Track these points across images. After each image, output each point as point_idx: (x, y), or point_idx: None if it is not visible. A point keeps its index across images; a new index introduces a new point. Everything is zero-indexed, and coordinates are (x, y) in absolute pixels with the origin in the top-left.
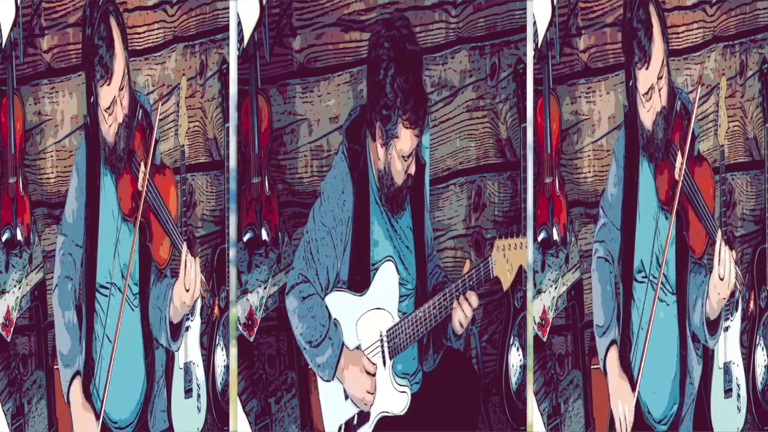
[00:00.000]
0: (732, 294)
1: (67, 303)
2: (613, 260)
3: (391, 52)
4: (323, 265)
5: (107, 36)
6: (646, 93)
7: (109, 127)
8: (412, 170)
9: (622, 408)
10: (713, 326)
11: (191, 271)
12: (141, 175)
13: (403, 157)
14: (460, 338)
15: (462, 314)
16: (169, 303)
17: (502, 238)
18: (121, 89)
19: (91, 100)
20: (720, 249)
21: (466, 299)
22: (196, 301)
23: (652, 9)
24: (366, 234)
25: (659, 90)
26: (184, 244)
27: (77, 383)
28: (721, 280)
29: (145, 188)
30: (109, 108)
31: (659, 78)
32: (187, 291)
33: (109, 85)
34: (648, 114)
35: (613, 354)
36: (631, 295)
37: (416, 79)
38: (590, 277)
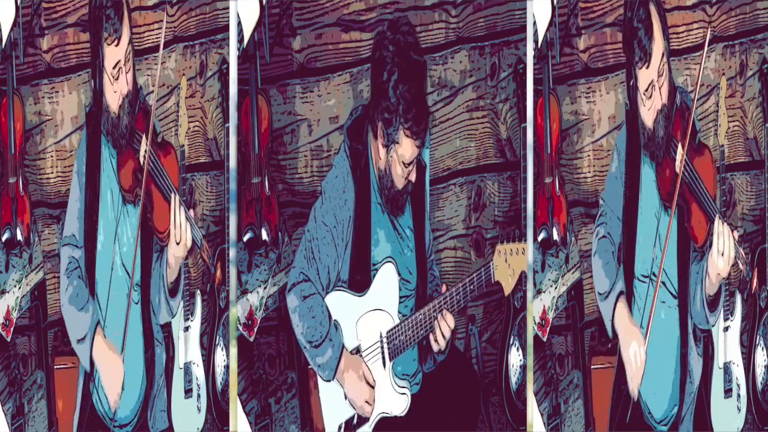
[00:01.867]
0: (730, 273)
1: (81, 301)
2: (613, 242)
3: (395, 57)
4: (324, 264)
5: (116, 10)
6: (647, 90)
7: (114, 93)
8: (413, 177)
9: (636, 351)
10: (713, 303)
11: (181, 226)
12: (143, 149)
13: (404, 163)
14: (443, 356)
15: (440, 333)
16: (165, 264)
17: (503, 243)
18: (126, 61)
19: (98, 62)
20: (718, 225)
21: (444, 318)
22: (194, 290)
23: (652, 8)
24: (367, 233)
25: (659, 87)
26: (173, 197)
27: (98, 337)
28: (721, 255)
29: (146, 161)
30: (114, 68)
31: (659, 75)
32: (178, 244)
33: (117, 45)
34: (649, 112)
35: (621, 305)
36: (632, 294)
37: (419, 89)
38: (591, 274)
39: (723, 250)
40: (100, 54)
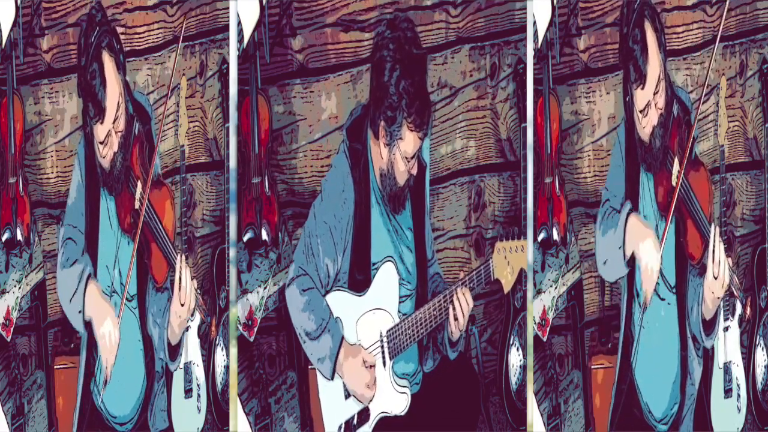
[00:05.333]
0: (729, 293)
1: (74, 255)
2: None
3: (396, 54)
4: (323, 261)
5: (100, 74)
6: (643, 110)
7: (104, 158)
8: (415, 170)
9: (654, 244)
10: (709, 326)
11: (185, 283)
12: (138, 194)
13: (406, 158)
14: (456, 348)
15: (459, 310)
16: (167, 324)
17: (503, 240)
18: (115, 120)
19: (87, 131)
20: (714, 247)
21: (463, 295)
22: (193, 313)
23: (647, 25)
24: (366, 233)
25: (655, 104)
26: (179, 257)
27: (92, 286)
28: (715, 278)
29: (144, 207)
30: (103, 141)
31: (655, 93)
32: (183, 305)
33: (102, 123)
34: (645, 129)
35: (633, 217)
36: (632, 293)
37: (421, 82)
38: (590, 274)
39: (717, 274)
40: (89, 125)
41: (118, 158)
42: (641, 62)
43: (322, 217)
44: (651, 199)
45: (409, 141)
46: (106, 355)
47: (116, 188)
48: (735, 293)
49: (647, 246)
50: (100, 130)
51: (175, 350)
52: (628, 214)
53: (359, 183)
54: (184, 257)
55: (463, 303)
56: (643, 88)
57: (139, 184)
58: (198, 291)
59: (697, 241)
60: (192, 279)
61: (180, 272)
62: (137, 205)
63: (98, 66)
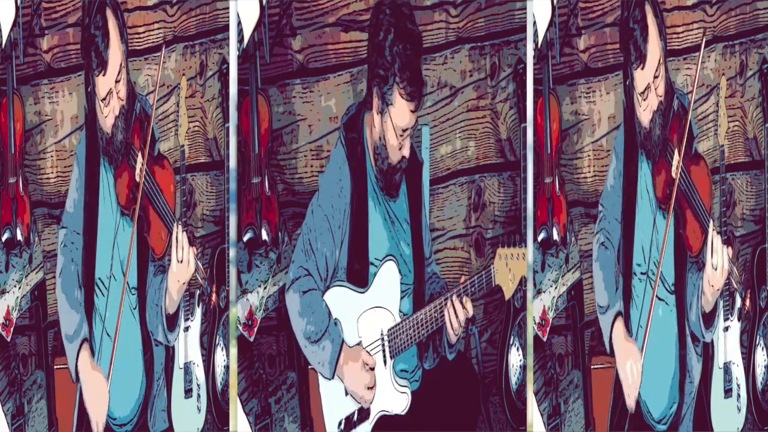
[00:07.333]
0: (727, 285)
1: (72, 286)
2: (613, 247)
3: (392, 19)
4: (322, 254)
5: (103, 26)
6: (643, 92)
7: (106, 118)
8: (406, 152)
9: (632, 367)
10: (708, 319)
11: (183, 247)
12: (138, 165)
13: (396, 132)
14: (454, 349)
15: (455, 317)
16: (165, 293)
17: (504, 247)
18: (117, 82)
19: (89, 90)
20: (712, 239)
21: (462, 304)
22: (194, 291)
23: (648, 8)
24: (364, 220)
25: (656, 89)
26: (176, 224)
27: (84, 352)
28: (714, 269)
29: (142, 179)
30: (105, 99)
31: (656, 77)
32: (180, 262)
33: (104, 75)
34: (645, 112)
35: (619, 324)
36: (630, 293)
37: (415, 56)
38: (591, 274)
39: (717, 265)
40: (92, 81)
41: (119, 124)
42: (641, 42)
43: (320, 208)
44: (650, 195)
45: (400, 109)
46: (95, 417)
47: (116, 160)
48: (734, 285)
49: (627, 367)
50: (101, 85)
51: (173, 319)
52: (614, 319)
53: (356, 171)
54: (180, 226)
55: (459, 311)
56: (643, 68)
57: (140, 156)
58: (199, 259)
59: (697, 233)
60: (191, 245)
61: (177, 235)
62: (137, 174)
63: (101, 18)
